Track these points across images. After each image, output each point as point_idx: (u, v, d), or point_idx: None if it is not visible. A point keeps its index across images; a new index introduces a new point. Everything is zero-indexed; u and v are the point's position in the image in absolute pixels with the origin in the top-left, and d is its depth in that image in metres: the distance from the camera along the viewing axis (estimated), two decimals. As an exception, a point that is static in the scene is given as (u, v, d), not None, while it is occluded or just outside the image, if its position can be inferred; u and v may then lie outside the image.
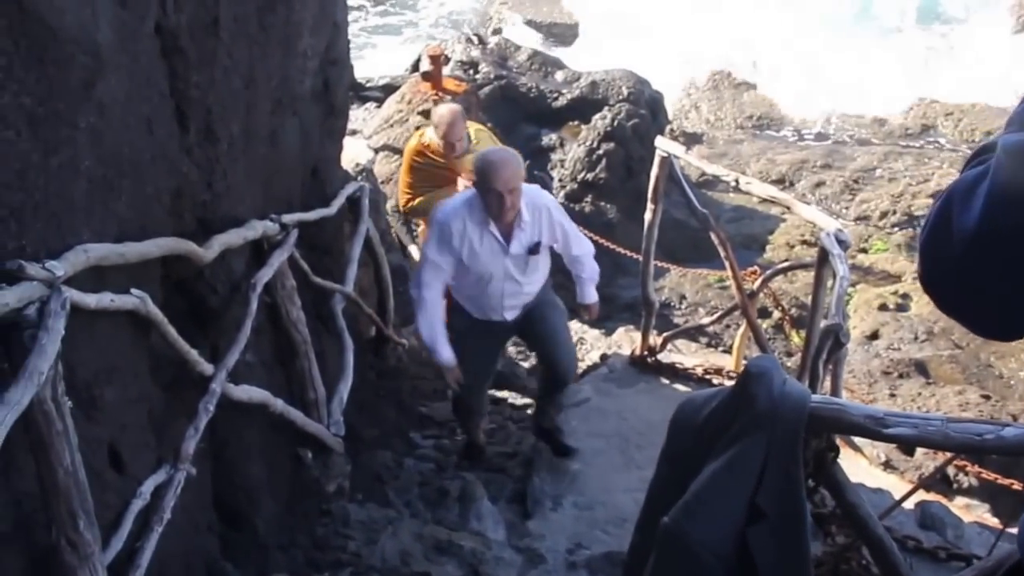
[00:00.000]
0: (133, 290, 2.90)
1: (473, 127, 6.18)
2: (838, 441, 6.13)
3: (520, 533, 4.78)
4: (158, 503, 3.19)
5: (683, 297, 10.46)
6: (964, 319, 1.24)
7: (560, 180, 11.45)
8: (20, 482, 2.42)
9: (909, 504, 5.10)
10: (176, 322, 3.24)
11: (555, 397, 5.47)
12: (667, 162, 6.04)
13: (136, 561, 2.98)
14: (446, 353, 4.73)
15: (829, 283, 5.12)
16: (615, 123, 11.60)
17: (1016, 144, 1.08)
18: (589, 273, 5.09)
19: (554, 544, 4.63)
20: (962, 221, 1.11)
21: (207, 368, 3.54)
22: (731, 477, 2.12)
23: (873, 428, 2.32)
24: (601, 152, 11.47)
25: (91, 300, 2.61)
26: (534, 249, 4.66)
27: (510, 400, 6.91)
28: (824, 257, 4.94)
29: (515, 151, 4.69)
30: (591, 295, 5.18)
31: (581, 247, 4.99)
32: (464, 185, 5.57)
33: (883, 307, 10.19)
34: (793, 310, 9.15)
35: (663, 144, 6.16)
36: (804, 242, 11.17)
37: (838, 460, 2.45)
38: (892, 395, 8.04)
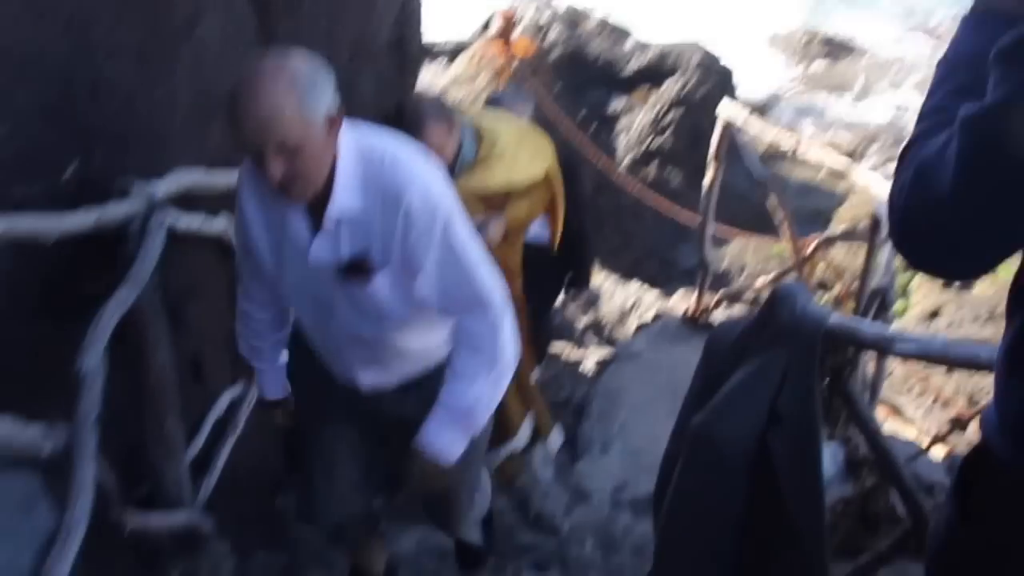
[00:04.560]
0: (220, 216, 3.17)
1: (485, 121, 3.55)
2: (888, 417, 6.17)
3: (568, 474, 4.98)
4: (232, 416, 3.49)
5: (743, 268, 10.52)
6: (934, 264, 1.35)
7: (626, 145, 11.54)
8: (117, 380, 2.69)
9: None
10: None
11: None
12: (729, 125, 6.15)
13: (213, 463, 3.28)
14: (264, 381, 2.80)
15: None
16: (683, 91, 11.65)
17: (974, 118, 1.17)
18: (455, 389, 2.35)
19: (601, 484, 4.81)
20: (938, 188, 1.20)
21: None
22: (755, 384, 2.35)
23: (883, 345, 2.64)
24: (668, 120, 11.54)
25: (184, 222, 2.88)
26: (357, 267, 2.22)
27: (564, 356, 6.98)
28: (877, 223, 5.01)
29: (322, 66, 2.05)
30: (434, 436, 2.39)
31: (461, 302, 2.30)
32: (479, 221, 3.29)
33: (946, 285, 10.14)
34: (854, 284, 9.16)
35: (726, 107, 6.27)
36: (870, 216, 11.11)
37: (855, 374, 2.67)
38: (949, 372, 8.04)
